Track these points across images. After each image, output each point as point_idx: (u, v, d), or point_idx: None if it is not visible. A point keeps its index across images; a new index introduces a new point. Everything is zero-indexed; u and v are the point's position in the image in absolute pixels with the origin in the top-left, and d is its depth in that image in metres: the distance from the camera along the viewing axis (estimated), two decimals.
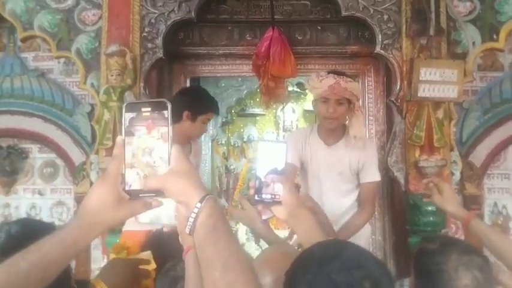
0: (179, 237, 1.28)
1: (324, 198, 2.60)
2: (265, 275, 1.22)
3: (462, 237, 3.36)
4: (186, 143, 2.77)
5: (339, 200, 2.64)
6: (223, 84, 5.66)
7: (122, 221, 0.96)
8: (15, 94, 3.47)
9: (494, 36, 3.08)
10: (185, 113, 2.67)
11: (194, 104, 2.72)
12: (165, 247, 1.77)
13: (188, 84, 3.64)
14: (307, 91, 4.86)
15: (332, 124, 2.55)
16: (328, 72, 2.52)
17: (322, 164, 2.64)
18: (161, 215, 1.22)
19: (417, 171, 3.00)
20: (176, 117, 2.55)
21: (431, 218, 3.02)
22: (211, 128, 5.67)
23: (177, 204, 0.97)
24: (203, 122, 2.70)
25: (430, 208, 3.02)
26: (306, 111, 5.79)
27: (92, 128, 3.31)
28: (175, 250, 1.55)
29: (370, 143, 2.74)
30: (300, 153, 2.69)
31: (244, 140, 6.12)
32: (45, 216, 3.44)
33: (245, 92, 5.74)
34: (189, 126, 2.69)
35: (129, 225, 2.36)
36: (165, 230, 1.70)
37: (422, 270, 1.47)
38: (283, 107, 5.83)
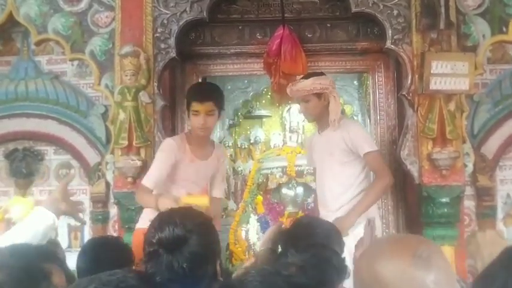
0: None
1: (325, 182, 2.86)
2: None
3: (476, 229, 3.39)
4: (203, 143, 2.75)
5: (335, 182, 2.80)
6: (229, 87, 5.68)
7: None
8: (30, 97, 3.51)
9: (504, 29, 3.12)
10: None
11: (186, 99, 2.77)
12: None
13: None
14: None
15: (309, 118, 3.01)
16: None
17: (317, 150, 2.95)
18: None
19: (430, 164, 3.03)
20: None
21: (445, 210, 3.05)
22: (218, 130, 5.70)
23: None
24: (193, 115, 2.63)
25: (444, 200, 3.05)
26: None
27: (106, 128, 3.35)
28: None
29: (350, 122, 3.08)
30: (310, 154, 3.06)
31: (251, 141, 6.16)
32: (61, 217, 3.44)
33: (251, 93, 5.77)
34: (191, 122, 2.69)
35: (142, 223, 2.41)
36: None
37: None
38: (289, 108, 5.86)
